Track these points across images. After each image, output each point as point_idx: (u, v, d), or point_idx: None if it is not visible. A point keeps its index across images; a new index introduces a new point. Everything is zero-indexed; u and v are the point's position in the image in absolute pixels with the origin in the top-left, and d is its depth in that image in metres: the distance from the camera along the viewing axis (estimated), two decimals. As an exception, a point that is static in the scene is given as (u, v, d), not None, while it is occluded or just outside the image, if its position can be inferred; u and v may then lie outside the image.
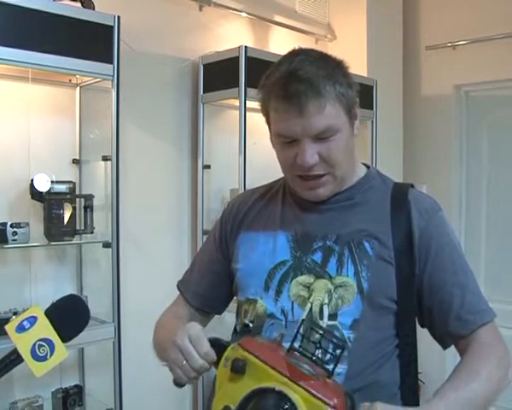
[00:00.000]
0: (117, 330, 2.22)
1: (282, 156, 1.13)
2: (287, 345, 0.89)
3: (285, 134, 1.09)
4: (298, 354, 0.88)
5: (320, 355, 0.88)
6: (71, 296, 0.99)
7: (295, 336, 0.89)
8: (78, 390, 2.31)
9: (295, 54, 1.10)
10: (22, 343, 0.87)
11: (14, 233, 2.03)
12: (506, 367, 1.07)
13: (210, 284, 1.28)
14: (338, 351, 0.88)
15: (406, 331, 1.12)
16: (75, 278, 2.42)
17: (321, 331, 0.90)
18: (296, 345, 0.88)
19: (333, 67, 1.08)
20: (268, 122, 1.14)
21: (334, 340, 0.92)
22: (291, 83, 1.04)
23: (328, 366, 0.87)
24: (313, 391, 0.81)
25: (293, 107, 1.04)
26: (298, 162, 1.08)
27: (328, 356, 0.91)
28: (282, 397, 0.81)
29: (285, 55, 1.12)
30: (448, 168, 3.60)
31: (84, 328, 0.93)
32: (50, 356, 0.87)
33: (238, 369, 0.86)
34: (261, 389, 0.83)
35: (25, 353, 0.86)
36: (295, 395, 0.81)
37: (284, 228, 1.18)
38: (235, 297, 1.26)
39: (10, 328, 0.87)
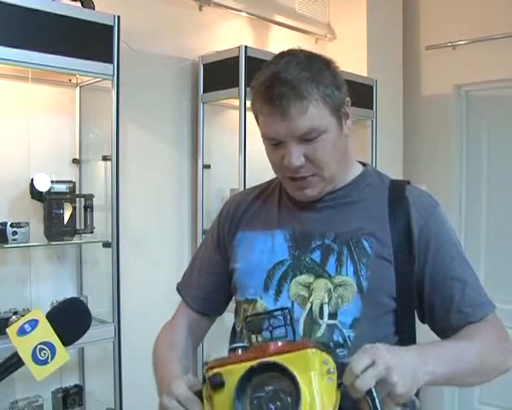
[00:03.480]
0: (117, 330, 2.22)
1: (270, 158, 1.14)
2: None
3: (270, 136, 1.10)
4: (258, 343, 0.92)
5: (276, 332, 0.91)
6: (72, 300, 0.99)
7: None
8: (78, 390, 2.31)
9: (282, 55, 1.11)
10: (23, 347, 0.87)
11: (14, 233, 2.03)
12: (506, 349, 1.08)
13: (210, 286, 1.29)
14: (288, 317, 0.92)
15: (406, 328, 1.13)
16: (75, 278, 2.42)
17: (262, 316, 0.94)
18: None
19: (318, 69, 1.07)
20: (257, 123, 1.15)
21: (278, 312, 0.95)
22: (274, 85, 1.05)
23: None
24: (288, 350, 0.84)
25: (276, 109, 1.05)
26: (284, 164, 1.09)
27: (283, 329, 0.93)
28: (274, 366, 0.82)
29: (274, 57, 1.12)
30: (448, 168, 3.60)
31: (85, 332, 0.93)
32: (51, 360, 0.87)
33: (216, 384, 0.84)
34: (251, 367, 0.82)
35: (25, 356, 0.86)
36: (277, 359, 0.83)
37: (282, 227, 1.19)
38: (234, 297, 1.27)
39: (11, 331, 0.87)
